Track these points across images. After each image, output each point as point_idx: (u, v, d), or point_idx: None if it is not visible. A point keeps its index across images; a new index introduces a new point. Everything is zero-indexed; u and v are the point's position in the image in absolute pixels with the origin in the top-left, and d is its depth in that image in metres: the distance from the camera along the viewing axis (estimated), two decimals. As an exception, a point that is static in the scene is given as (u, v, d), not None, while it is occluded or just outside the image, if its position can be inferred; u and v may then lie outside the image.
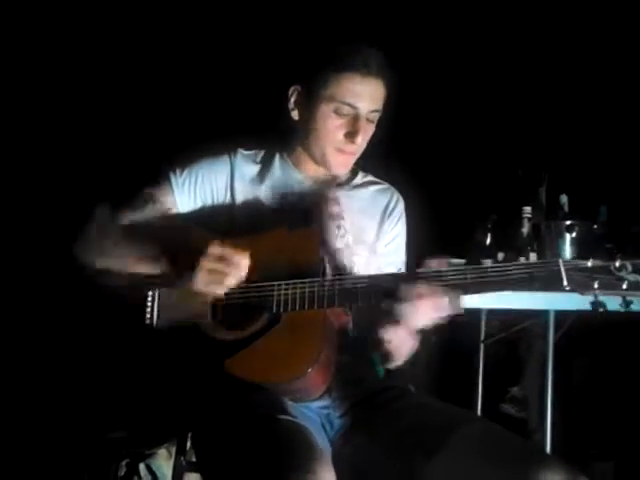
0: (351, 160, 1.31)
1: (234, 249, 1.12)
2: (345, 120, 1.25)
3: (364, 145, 1.30)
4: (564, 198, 2.12)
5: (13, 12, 2.53)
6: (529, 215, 2.01)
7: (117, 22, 2.62)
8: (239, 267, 1.11)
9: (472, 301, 1.88)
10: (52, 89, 2.58)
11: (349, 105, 1.24)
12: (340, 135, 1.26)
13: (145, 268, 1.19)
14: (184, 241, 1.18)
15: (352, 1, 2.57)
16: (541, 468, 0.98)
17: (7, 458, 2.08)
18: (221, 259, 1.11)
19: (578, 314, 2.14)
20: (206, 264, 1.10)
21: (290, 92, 1.32)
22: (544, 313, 1.98)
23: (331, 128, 1.26)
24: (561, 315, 2.03)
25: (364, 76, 1.23)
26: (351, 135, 1.25)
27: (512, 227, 2.03)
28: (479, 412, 2.45)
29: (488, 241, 2.11)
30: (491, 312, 2.43)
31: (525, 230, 1.99)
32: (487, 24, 2.75)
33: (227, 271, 1.11)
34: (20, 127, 2.56)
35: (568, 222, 1.95)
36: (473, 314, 2.39)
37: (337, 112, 1.25)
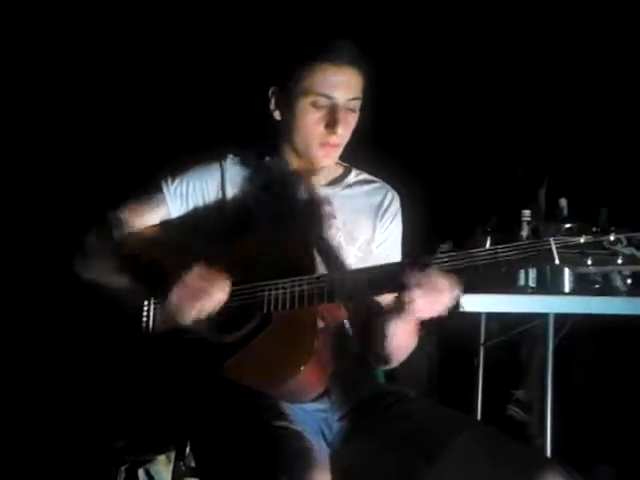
0: (336, 152, 1.31)
1: (213, 278, 1.13)
2: (323, 112, 1.25)
3: (347, 135, 1.30)
4: (563, 202, 2.12)
5: (15, 17, 2.54)
6: (528, 218, 2.01)
7: (110, 37, 2.63)
8: (216, 291, 1.13)
9: (472, 305, 1.89)
10: (45, 105, 2.59)
11: (325, 96, 1.24)
12: (321, 128, 1.26)
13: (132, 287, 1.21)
14: (168, 265, 1.17)
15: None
16: (542, 472, 0.97)
17: (8, 465, 2.08)
18: (198, 284, 1.12)
19: (578, 317, 2.14)
20: (181, 290, 1.11)
21: (270, 94, 1.32)
22: (543, 316, 1.97)
23: (311, 122, 1.26)
24: (561, 318, 2.03)
25: (337, 66, 1.23)
26: (331, 126, 1.25)
27: (511, 230, 2.03)
28: (479, 416, 2.44)
29: (488, 244, 2.11)
30: (491, 316, 2.43)
31: (524, 233, 1.99)
32: (489, 26, 2.76)
33: (203, 295, 1.12)
34: (16, 139, 2.56)
35: (567, 225, 1.95)
36: (473, 318, 2.38)
37: (314, 105, 1.24)
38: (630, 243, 0.98)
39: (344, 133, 1.28)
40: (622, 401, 2.45)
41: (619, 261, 0.98)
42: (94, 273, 1.26)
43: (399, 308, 1.10)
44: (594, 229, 1.92)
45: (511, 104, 2.75)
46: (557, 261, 1.01)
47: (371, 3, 2.65)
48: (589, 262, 1.00)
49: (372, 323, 1.25)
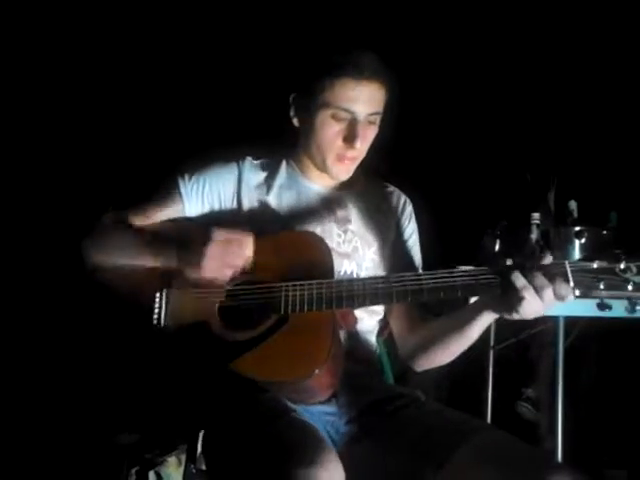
0: (352, 166, 1.31)
1: (237, 231, 1.16)
2: (343, 125, 1.25)
3: (365, 149, 1.30)
4: (573, 204, 2.11)
5: (16, 21, 2.56)
6: (538, 221, 2.00)
7: (128, 32, 2.65)
8: (244, 246, 1.15)
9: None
10: (67, 94, 2.61)
11: (345, 110, 1.24)
12: (339, 141, 1.26)
13: (151, 264, 1.22)
14: (190, 237, 1.19)
15: (355, 8, 2.59)
16: (553, 476, 0.97)
17: (19, 463, 2.09)
18: (226, 242, 1.14)
19: (588, 320, 2.13)
20: (212, 249, 1.13)
21: (290, 100, 1.33)
22: (553, 319, 1.97)
23: (330, 134, 1.26)
24: (571, 321, 2.02)
25: (358, 80, 1.23)
26: (350, 140, 1.25)
27: (521, 233, 2.02)
28: (489, 419, 2.43)
29: (497, 247, 2.11)
30: (500, 319, 2.42)
31: (534, 236, 1.98)
32: (497, 30, 2.75)
33: (233, 251, 1.14)
34: (33, 129, 2.59)
35: (577, 228, 1.94)
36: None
37: (334, 117, 1.25)
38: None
39: (362, 147, 1.28)
40: (634, 404, 2.43)
41: (630, 288, 1.01)
42: (104, 252, 1.26)
43: (502, 308, 1.09)
44: (604, 232, 1.92)
45: (519, 107, 2.74)
46: (571, 284, 1.03)
47: (380, 11, 2.66)
48: (601, 287, 1.02)
49: (433, 322, 1.26)
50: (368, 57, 1.25)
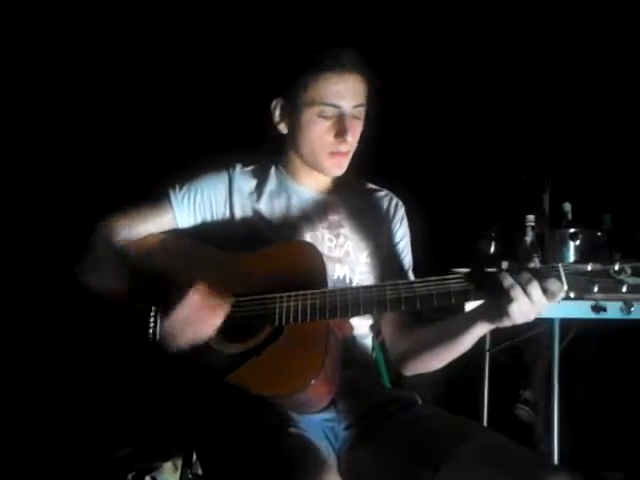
0: (345, 161, 1.31)
1: (215, 295, 1.13)
2: (331, 122, 1.25)
3: (355, 142, 1.30)
4: (567, 206, 2.11)
5: (13, 22, 2.56)
6: (532, 223, 2.00)
7: (116, 44, 2.66)
8: (216, 314, 1.12)
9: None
10: (52, 106, 2.61)
11: (331, 105, 1.24)
12: (330, 137, 1.26)
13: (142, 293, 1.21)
14: (171, 277, 1.17)
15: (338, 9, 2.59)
16: (549, 478, 0.97)
17: (16, 473, 2.08)
18: (202, 301, 1.11)
19: (584, 322, 2.14)
20: (187, 303, 1.11)
21: (273, 106, 1.32)
22: (549, 321, 1.97)
23: (319, 133, 1.26)
24: (566, 323, 2.03)
25: (340, 74, 1.24)
26: (340, 134, 1.25)
27: (516, 236, 2.02)
28: (486, 421, 2.43)
29: (492, 250, 2.11)
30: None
31: (529, 239, 1.99)
32: (490, 30, 2.76)
33: (203, 319, 1.11)
34: (21, 141, 2.58)
35: (572, 230, 1.95)
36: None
37: (322, 115, 1.25)
38: (634, 272, 1.00)
39: (353, 141, 1.29)
40: (630, 405, 2.44)
41: (624, 289, 1.00)
42: (95, 276, 1.26)
43: (492, 312, 1.08)
44: (598, 234, 1.93)
45: (513, 109, 2.75)
46: (565, 287, 1.02)
47: (371, 11, 2.66)
48: (595, 289, 1.02)
49: (426, 328, 1.25)
50: (347, 51, 1.26)
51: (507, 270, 1.04)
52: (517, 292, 1.01)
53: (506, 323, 1.06)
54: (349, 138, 1.26)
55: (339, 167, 1.31)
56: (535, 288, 1.01)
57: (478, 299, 1.09)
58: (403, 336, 1.29)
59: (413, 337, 1.27)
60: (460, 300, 1.08)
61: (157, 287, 1.18)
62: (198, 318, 1.11)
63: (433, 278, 1.09)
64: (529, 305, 1.02)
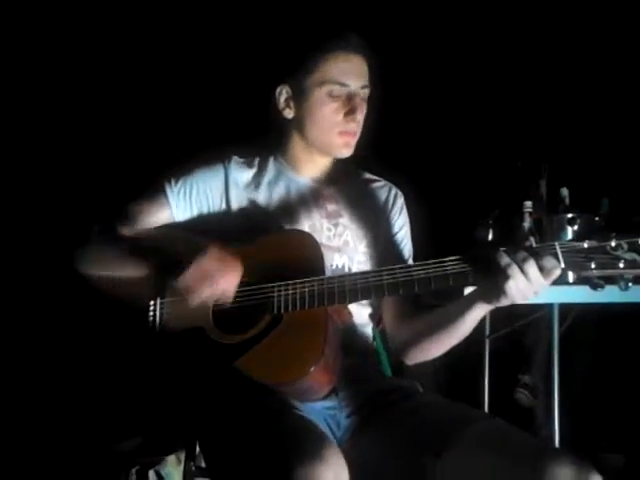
0: (353, 141, 1.32)
1: (226, 260, 1.15)
2: (340, 101, 1.27)
3: (362, 124, 1.32)
4: (565, 191, 2.11)
5: (12, 23, 2.55)
6: (530, 209, 2.00)
7: (111, 38, 2.64)
8: (226, 279, 1.14)
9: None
10: (50, 101, 2.59)
11: (340, 84, 1.26)
12: (339, 117, 1.28)
13: (141, 274, 1.21)
14: (182, 248, 1.19)
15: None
16: (552, 462, 0.97)
17: (18, 467, 2.09)
18: (218, 260, 1.14)
19: (583, 306, 2.14)
20: (202, 263, 1.13)
21: (277, 92, 1.32)
22: (548, 306, 1.97)
23: (329, 112, 1.28)
24: (565, 308, 2.03)
25: (347, 53, 1.27)
26: (350, 113, 1.27)
27: (513, 222, 2.02)
28: (487, 407, 2.44)
29: (490, 237, 2.11)
30: (495, 308, 2.42)
31: (526, 225, 1.99)
32: (484, 17, 2.75)
33: (215, 281, 1.13)
34: (20, 138, 2.57)
35: (570, 215, 1.95)
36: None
37: (331, 95, 1.27)
38: (631, 248, 1.00)
39: (361, 121, 1.30)
40: (630, 389, 2.45)
41: (621, 265, 1.00)
42: (96, 265, 1.26)
43: (490, 293, 1.08)
44: (596, 218, 1.92)
45: (508, 95, 2.74)
46: (562, 265, 1.02)
47: (372, 2, 2.65)
48: (593, 266, 1.01)
49: (426, 314, 1.26)
50: (350, 34, 1.29)
51: (504, 250, 1.04)
52: (514, 270, 1.01)
53: (504, 302, 1.06)
54: (358, 117, 1.28)
55: (348, 147, 1.32)
56: (532, 266, 1.01)
57: (476, 280, 1.09)
58: (404, 325, 1.30)
59: (413, 325, 1.28)
60: (458, 282, 1.08)
61: (161, 267, 1.18)
62: (220, 269, 1.13)
63: (431, 261, 1.10)
64: (526, 283, 1.02)
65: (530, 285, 1.02)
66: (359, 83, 1.28)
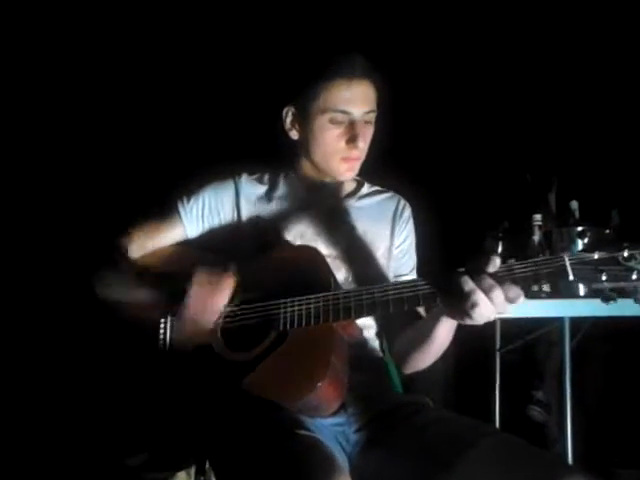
0: (357, 165, 1.33)
1: (217, 270, 1.18)
2: (343, 128, 1.27)
3: (366, 148, 1.32)
4: (575, 204, 2.11)
5: (14, 25, 2.58)
6: (540, 223, 2.00)
7: (127, 52, 2.67)
8: (224, 285, 1.17)
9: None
10: (63, 121, 2.63)
11: (342, 112, 1.26)
12: (342, 143, 1.28)
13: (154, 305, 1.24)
14: (178, 279, 1.21)
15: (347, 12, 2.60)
16: (564, 478, 0.96)
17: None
18: (207, 284, 1.17)
19: (594, 320, 2.12)
20: (194, 293, 1.16)
21: (284, 113, 1.34)
22: (559, 320, 1.96)
23: (331, 139, 1.28)
24: (577, 321, 2.02)
25: (350, 80, 1.25)
26: (352, 140, 1.27)
27: (523, 235, 2.02)
28: (498, 423, 2.42)
29: (499, 250, 2.10)
30: (506, 321, 2.42)
31: (536, 238, 1.98)
32: (494, 30, 2.76)
33: (213, 293, 1.16)
34: (37, 159, 2.60)
35: (579, 228, 1.94)
36: (488, 323, 2.36)
37: (333, 122, 1.27)
38: None
39: (364, 146, 1.30)
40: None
41: (634, 277, 0.96)
42: (109, 292, 1.29)
43: (451, 314, 1.07)
44: (607, 231, 1.91)
45: (519, 108, 2.75)
46: (571, 277, 0.99)
47: (378, 16, 2.67)
48: (604, 278, 0.98)
49: (410, 327, 1.26)
50: (355, 57, 1.27)
51: (466, 272, 1.01)
52: (480, 297, 0.99)
53: (467, 322, 1.05)
54: (360, 144, 1.27)
55: (351, 171, 1.33)
56: (498, 296, 0.99)
57: (443, 302, 1.07)
58: (396, 337, 1.31)
59: (403, 337, 1.29)
60: (428, 303, 1.08)
61: (169, 294, 1.21)
62: (210, 291, 1.16)
63: (406, 281, 1.10)
64: (492, 309, 1.00)
65: (495, 310, 1.00)
66: (362, 110, 1.27)
